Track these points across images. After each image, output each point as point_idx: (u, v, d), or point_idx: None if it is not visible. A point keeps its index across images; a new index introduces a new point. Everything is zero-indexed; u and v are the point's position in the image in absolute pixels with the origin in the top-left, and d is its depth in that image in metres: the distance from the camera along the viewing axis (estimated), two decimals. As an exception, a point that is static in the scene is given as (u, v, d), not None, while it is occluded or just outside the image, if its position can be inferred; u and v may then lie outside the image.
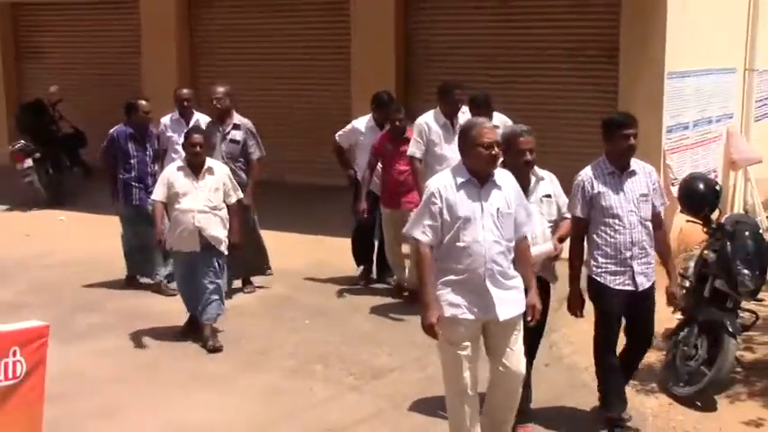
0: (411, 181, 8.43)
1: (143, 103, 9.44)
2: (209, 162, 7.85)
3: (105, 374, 7.18)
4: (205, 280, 7.71)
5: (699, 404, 6.20)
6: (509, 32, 11.99)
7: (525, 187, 5.72)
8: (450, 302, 5.15)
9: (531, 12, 11.89)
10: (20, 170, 13.25)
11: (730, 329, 6.45)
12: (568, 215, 6.01)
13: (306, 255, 10.29)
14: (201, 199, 7.69)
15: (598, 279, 5.90)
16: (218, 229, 7.75)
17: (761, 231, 9.06)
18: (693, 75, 11.05)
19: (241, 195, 8.16)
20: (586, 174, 5.96)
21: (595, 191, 5.87)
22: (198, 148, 7.73)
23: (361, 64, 12.88)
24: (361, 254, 9.45)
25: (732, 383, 6.79)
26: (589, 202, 5.89)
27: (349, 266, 9.51)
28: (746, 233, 6.77)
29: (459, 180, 5.21)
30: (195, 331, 7.85)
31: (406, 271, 8.70)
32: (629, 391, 6.33)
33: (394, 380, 7.03)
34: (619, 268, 5.85)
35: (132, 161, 9.28)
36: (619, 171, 5.91)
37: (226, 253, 7.87)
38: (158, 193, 7.88)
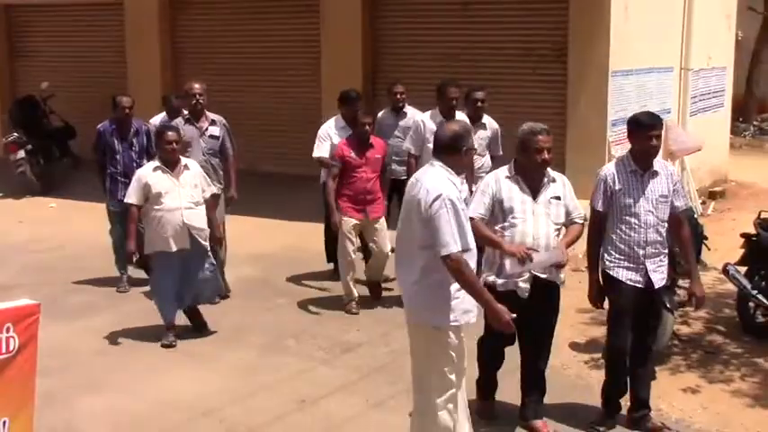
0: (377, 188, 8.02)
1: (124, 99, 8.90)
2: (183, 159, 7.34)
3: (94, 351, 7.12)
4: (202, 269, 7.27)
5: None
6: (469, 33, 12.00)
7: (537, 188, 5.43)
8: None
9: (489, 14, 11.93)
10: (13, 161, 13.23)
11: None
12: (578, 220, 5.57)
13: (278, 239, 10.25)
14: (185, 196, 7.17)
15: (611, 273, 5.58)
16: (203, 224, 7.28)
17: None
18: (635, 73, 11.15)
19: (214, 190, 7.65)
20: (609, 169, 5.62)
21: (616, 187, 5.53)
22: (174, 145, 7.16)
23: (330, 62, 12.87)
24: (333, 253, 8.69)
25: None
26: (610, 198, 5.54)
27: (319, 249, 9.47)
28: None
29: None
30: (178, 333, 7.26)
31: (353, 290, 8.05)
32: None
33: (362, 354, 7.03)
34: (632, 265, 5.53)
35: (117, 156, 8.72)
36: (641, 170, 5.54)
37: (208, 247, 7.35)
38: (133, 196, 7.21)
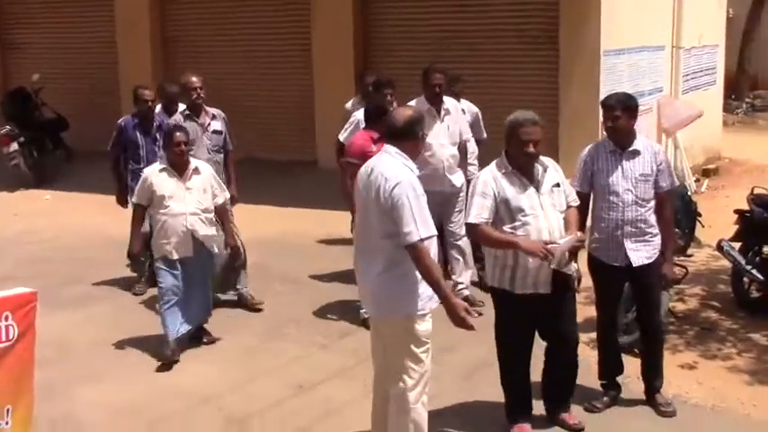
0: None
1: (146, 91, 8.38)
2: (193, 162, 6.84)
3: (92, 341, 7.12)
4: (198, 287, 6.82)
5: (636, 351, 6.25)
6: (461, 16, 11.96)
7: (532, 179, 5.18)
8: None
9: (480, -3, 11.89)
10: (6, 154, 13.16)
11: (663, 283, 6.51)
12: (573, 203, 5.39)
13: (275, 225, 10.25)
14: (192, 201, 6.68)
15: (594, 254, 5.65)
16: (210, 229, 6.79)
17: (689, 194, 9.21)
18: (627, 52, 11.13)
19: (227, 196, 7.14)
20: (589, 150, 5.68)
21: (595, 167, 5.58)
22: (183, 147, 6.67)
23: (321, 49, 12.83)
24: None
25: (666, 332, 6.89)
26: (590, 178, 5.58)
27: (316, 234, 9.49)
28: (677, 196, 6.84)
29: None
30: (181, 349, 6.75)
31: None
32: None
33: (360, 338, 7.02)
34: (611, 245, 5.55)
35: (141, 151, 8.22)
36: (620, 149, 5.56)
37: (217, 254, 6.98)
38: (138, 197, 6.82)
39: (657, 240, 5.64)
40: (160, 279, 6.74)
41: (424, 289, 4.64)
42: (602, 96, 10.55)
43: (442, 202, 7.47)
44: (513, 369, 5.42)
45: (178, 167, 6.71)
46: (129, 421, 5.76)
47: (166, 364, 6.55)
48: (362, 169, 4.85)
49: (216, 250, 6.90)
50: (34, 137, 13.51)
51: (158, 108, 8.66)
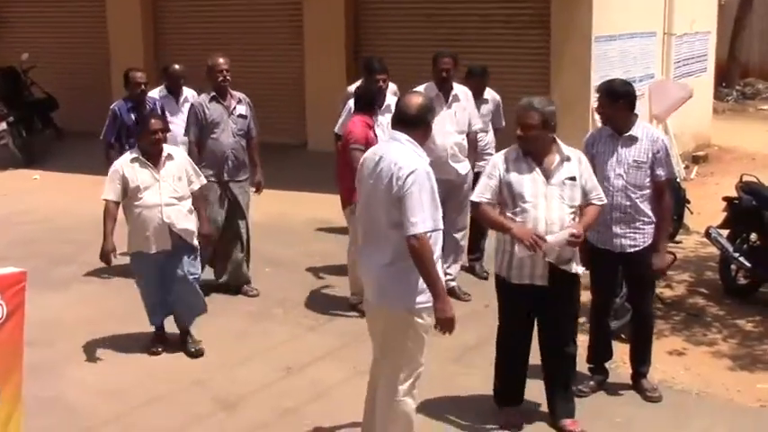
0: None
1: (137, 74, 8.09)
2: (166, 148, 6.45)
3: (82, 321, 7.11)
4: (181, 280, 6.41)
5: (623, 336, 6.30)
6: (451, 1, 11.93)
7: (546, 167, 5.04)
8: None
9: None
10: (-5, 133, 13.09)
11: (650, 273, 6.52)
12: (597, 201, 5.17)
13: (265, 207, 10.21)
14: (166, 191, 6.31)
15: (587, 238, 5.42)
16: (188, 222, 6.42)
17: (678, 180, 9.24)
18: (618, 38, 11.14)
19: (204, 181, 6.70)
20: (591, 133, 5.74)
21: (594, 150, 5.58)
22: (159, 135, 6.30)
23: (314, 32, 12.80)
24: None
25: (653, 318, 6.93)
26: (591, 162, 5.41)
27: (305, 218, 9.50)
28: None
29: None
30: (166, 342, 6.60)
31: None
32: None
33: (347, 321, 7.06)
34: (601, 228, 5.47)
35: (134, 134, 7.93)
36: (618, 134, 5.54)
37: (198, 246, 6.58)
38: (110, 191, 6.33)
39: (649, 229, 5.59)
40: (138, 278, 6.47)
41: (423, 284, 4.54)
42: (593, 82, 10.67)
43: (447, 191, 7.21)
44: (505, 355, 5.39)
45: (152, 156, 6.34)
46: (118, 402, 5.77)
47: (155, 354, 6.51)
48: (368, 156, 4.73)
49: (194, 243, 6.49)
50: (23, 116, 13.47)
51: (158, 90, 8.47)
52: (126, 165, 6.35)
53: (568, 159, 5.09)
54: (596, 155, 5.57)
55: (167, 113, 8.07)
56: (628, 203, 5.52)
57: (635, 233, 5.56)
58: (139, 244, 6.34)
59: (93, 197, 9.28)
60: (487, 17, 11.74)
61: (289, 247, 9.01)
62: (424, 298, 4.54)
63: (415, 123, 4.60)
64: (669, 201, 5.73)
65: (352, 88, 8.07)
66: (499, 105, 8.25)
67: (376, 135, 6.85)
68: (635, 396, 5.77)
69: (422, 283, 4.49)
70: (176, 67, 8.55)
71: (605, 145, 5.57)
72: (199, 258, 6.61)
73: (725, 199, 7.96)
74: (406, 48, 11.85)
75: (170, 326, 6.66)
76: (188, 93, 8.56)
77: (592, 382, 5.80)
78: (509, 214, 5.10)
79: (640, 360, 5.86)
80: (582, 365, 5.84)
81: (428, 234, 4.41)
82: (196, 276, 6.52)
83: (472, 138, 7.58)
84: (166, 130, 6.51)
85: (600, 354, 5.88)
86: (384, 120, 7.07)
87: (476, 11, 11.80)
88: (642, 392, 5.78)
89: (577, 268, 5.19)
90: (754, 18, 21.40)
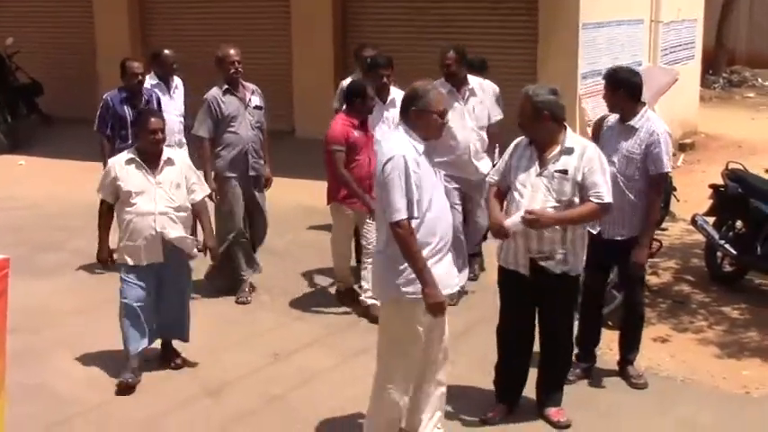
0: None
1: (134, 64, 7.71)
2: (166, 152, 5.89)
3: (69, 309, 7.09)
4: (172, 298, 5.91)
5: (610, 323, 6.31)
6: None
7: (544, 157, 4.98)
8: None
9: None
10: (-21, 118, 13.02)
11: (631, 266, 6.47)
12: (594, 200, 4.96)
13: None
14: (162, 198, 5.73)
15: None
16: (182, 230, 5.84)
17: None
18: (606, 25, 11.13)
19: (208, 191, 6.21)
20: (599, 118, 5.78)
21: (600, 133, 5.68)
22: (158, 135, 5.75)
23: (301, 19, 12.74)
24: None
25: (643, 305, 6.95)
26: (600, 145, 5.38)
27: (293, 204, 9.46)
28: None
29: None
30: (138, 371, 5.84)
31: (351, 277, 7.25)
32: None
33: (334, 309, 7.05)
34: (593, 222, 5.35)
35: (129, 127, 7.51)
36: (620, 123, 5.56)
37: (195, 259, 6.10)
38: (102, 192, 5.85)
39: (636, 220, 5.55)
40: (122, 291, 5.80)
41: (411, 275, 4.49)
42: (580, 69, 10.67)
43: (468, 190, 7.21)
44: (501, 346, 5.35)
45: (149, 158, 5.77)
46: (103, 390, 5.75)
47: (125, 388, 5.70)
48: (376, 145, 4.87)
49: (195, 252, 6.01)
50: (8, 101, 13.42)
51: (148, 78, 8.09)
52: (119, 166, 5.79)
53: (569, 152, 4.96)
54: (601, 138, 5.61)
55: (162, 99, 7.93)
56: (616, 191, 5.39)
57: (623, 221, 5.52)
58: (130, 253, 5.77)
59: (79, 183, 9.29)
60: (475, 3, 11.70)
61: (276, 234, 8.95)
62: (413, 288, 4.49)
63: (403, 111, 4.63)
64: (655, 197, 5.62)
65: (346, 83, 7.84)
66: (498, 96, 7.68)
67: (367, 132, 6.74)
68: (620, 383, 5.78)
69: (408, 274, 4.47)
70: (167, 52, 8.28)
71: (611, 129, 5.61)
72: (191, 279, 6.17)
73: (711, 186, 7.98)
74: (393, 35, 11.81)
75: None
76: (177, 81, 8.36)
77: (578, 370, 5.78)
78: (509, 197, 5.14)
79: (628, 347, 5.87)
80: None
81: (408, 221, 4.38)
82: (185, 304, 6.04)
83: (492, 131, 7.29)
84: (165, 130, 5.92)
85: (588, 340, 5.87)
86: (390, 114, 7.00)
87: (463, -3, 11.78)
88: (628, 379, 5.80)
89: (563, 269, 5.03)
90: (740, 6, 21.44)
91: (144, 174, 5.75)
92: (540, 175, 4.98)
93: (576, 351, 5.79)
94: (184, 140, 8.24)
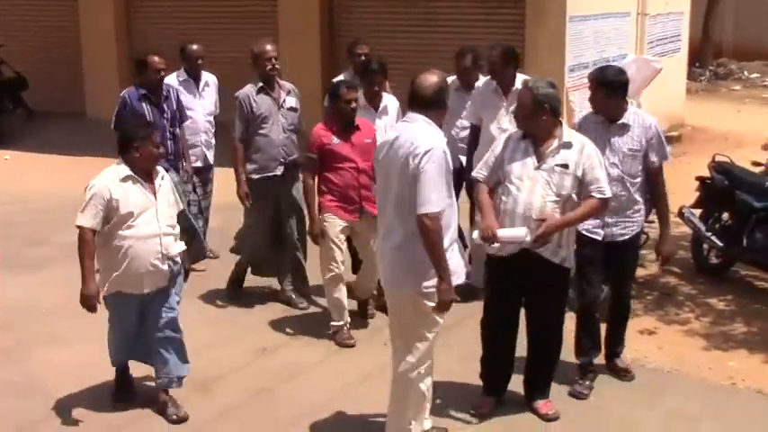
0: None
1: (156, 58, 7.11)
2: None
3: (56, 304, 7.03)
4: (165, 327, 5.28)
5: (597, 315, 6.32)
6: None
7: (536, 149, 4.96)
8: None
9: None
10: (-36, 113, 12.96)
11: (661, 261, 6.43)
12: (596, 194, 4.95)
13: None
14: (164, 217, 5.17)
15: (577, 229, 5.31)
16: (180, 245, 5.33)
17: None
18: (592, 18, 11.14)
19: (182, 206, 5.54)
20: (576, 123, 5.55)
21: None
22: (159, 150, 5.22)
23: (288, 16, 12.71)
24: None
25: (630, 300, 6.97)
26: None
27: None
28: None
29: None
30: (132, 389, 5.55)
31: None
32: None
33: (321, 302, 7.04)
34: (593, 218, 5.30)
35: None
36: (609, 122, 5.39)
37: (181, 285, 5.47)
38: (88, 218, 5.01)
39: (638, 217, 5.53)
40: (112, 321, 5.32)
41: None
42: (568, 62, 10.68)
43: None
44: (487, 339, 5.35)
45: (146, 175, 5.16)
46: (91, 384, 5.74)
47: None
48: (383, 140, 4.69)
49: (180, 279, 5.41)
50: (-7, 96, 13.35)
51: (176, 75, 7.78)
52: (114, 183, 5.06)
53: (568, 146, 4.95)
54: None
55: (186, 100, 7.58)
56: (624, 193, 5.38)
57: (626, 222, 5.46)
58: (125, 284, 5.16)
59: (64, 177, 9.26)
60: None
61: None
62: (434, 282, 4.49)
63: (430, 104, 4.55)
64: (662, 187, 5.64)
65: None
66: None
67: (351, 139, 6.28)
68: (608, 375, 5.80)
69: (428, 267, 4.46)
70: (194, 47, 7.85)
71: (595, 133, 5.32)
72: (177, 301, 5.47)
73: (698, 179, 8.01)
74: (381, 30, 11.79)
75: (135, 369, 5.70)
76: (208, 77, 8.01)
77: (587, 382, 5.63)
78: (499, 191, 5.04)
79: (616, 341, 5.86)
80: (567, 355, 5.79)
81: (440, 214, 4.38)
82: (180, 333, 5.40)
83: None
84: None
85: (588, 349, 5.71)
86: (383, 123, 6.71)
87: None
88: (615, 372, 5.81)
89: (557, 260, 5.04)
90: (727, -1, 21.51)
91: (144, 191, 5.13)
92: (538, 168, 4.94)
93: (580, 361, 5.70)
94: (213, 141, 7.99)
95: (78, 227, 5.02)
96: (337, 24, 12.55)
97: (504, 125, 6.56)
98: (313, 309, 6.97)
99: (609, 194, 5.03)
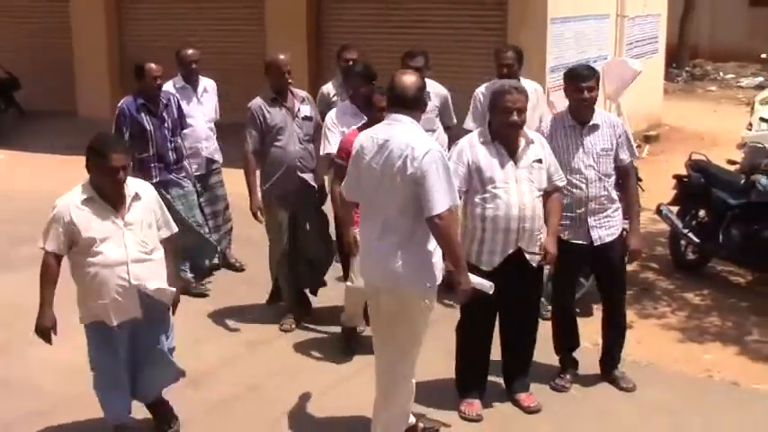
0: None
1: (153, 66, 6.76)
2: (132, 185, 4.71)
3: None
4: (151, 353, 4.87)
5: (578, 310, 6.34)
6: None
7: (514, 151, 4.95)
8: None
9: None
10: (-43, 113, 12.89)
11: (629, 257, 6.41)
12: (560, 183, 5.10)
13: (229, 186, 10.14)
14: (133, 242, 4.62)
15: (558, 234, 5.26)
16: (161, 281, 4.76)
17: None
18: (573, 20, 11.17)
19: (175, 228, 4.96)
20: (545, 127, 5.40)
21: (553, 144, 5.24)
22: (122, 174, 4.56)
23: (274, 15, 12.68)
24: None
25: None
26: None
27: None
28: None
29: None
30: None
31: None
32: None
33: (312, 298, 7.03)
34: (573, 222, 5.31)
35: (148, 136, 6.75)
36: (579, 125, 5.31)
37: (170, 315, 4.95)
38: (49, 241, 4.63)
39: (619, 215, 5.49)
40: (92, 358, 4.84)
41: (438, 263, 4.47)
42: (549, 64, 10.69)
43: None
44: (469, 342, 5.29)
45: (111, 197, 4.64)
46: (83, 381, 5.69)
47: None
48: (367, 141, 4.52)
49: (167, 308, 4.90)
50: (-15, 96, 13.29)
51: (173, 82, 7.47)
52: (74, 206, 4.59)
53: (533, 143, 5.01)
54: (555, 148, 5.26)
55: (184, 107, 7.23)
56: (604, 193, 5.35)
57: (608, 221, 5.41)
58: (95, 313, 4.71)
59: (55, 176, 9.17)
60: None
61: (252, 225, 8.91)
62: (431, 281, 4.47)
63: (414, 104, 4.49)
64: (635, 182, 5.64)
65: (326, 89, 7.38)
66: (447, 101, 7.13)
67: None
68: (586, 367, 5.79)
69: (428, 266, 4.44)
70: (188, 51, 7.51)
71: (567, 137, 5.32)
72: (172, 328, 5.02)
73: (675, 177, 8.05)
74: (367, 32, 11.80)
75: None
76: (207, 83, 7.71)
77: (568, 376, 5.62)
78: (477, 199, 4.97)
79: (612, 356, 5.67)
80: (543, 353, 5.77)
81: (449, 212, 4.32)
82: (169, 358, 5.00)
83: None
84: (129, 166, 4.75)
85: (566, 343, 5.69)
86: None
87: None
88: (616, 383, 5.62)
89: (534, 262, 5.07)
90: (703, 1, 21.59)
91: (108, 215, 4.60)
92: (519, 168, 4.96)
93: (560, 356, 5.69)
94: (216, 145, 7.76)
95: (42, 248, 4.66)
96: (324, 30, 12.53)
97: None
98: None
99: (565, 180, 5.18)
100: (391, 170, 4.38)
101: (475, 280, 4.62)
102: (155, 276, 4.71)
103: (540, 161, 5.00)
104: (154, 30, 13.35)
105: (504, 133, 4.97)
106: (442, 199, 4.29)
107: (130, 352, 4.81)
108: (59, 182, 9.14)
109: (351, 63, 7.11)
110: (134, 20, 13.97)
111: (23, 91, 13.80)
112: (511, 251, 4.99)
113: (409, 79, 4.51)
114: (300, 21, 12.44)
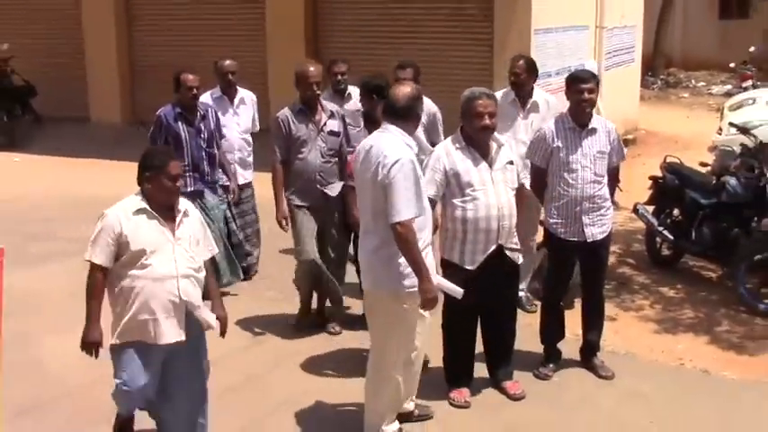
0: None
1: (189, 76, 6.50)
2: (182, 201, 4.38)
3: (65, 292, 6.92)
4: (192, 384, 4.41)
5: (562, 304, 6.33)
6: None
7: (486, 155, 4.94)
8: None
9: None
10: (-23, 119, 12.86)
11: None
12: (525, 180, 5.21)
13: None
14: (183, 257, 4.25)
15: (551, 231, 5.42)
16: (207, 309, 4.39)
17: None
18: (555, 31, 11.17)
19: (216, 250, 4.65)
20: (549, 127, 5.39)
21: (555, 144, 5.31)
22: (178, 183, 4.29)
23: (274, 24, 12.65)
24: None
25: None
26: (549, 154, 5.34)
27: (269, 196, 9.39)
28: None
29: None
30: None
31: None
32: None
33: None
34: (569, 220, 5.33)
35: (184, 145, 6.49)
36: (579, 127, 5.33)
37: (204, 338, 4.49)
38: (98, 253, 4.18)
39: (611, 214, 5.50)
40: (123, 377, 4.28)
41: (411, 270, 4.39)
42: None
43: None
44: (456, 336, 5.24)
45: (163, 209, 4.28)
46: (96, 369, 5.66)
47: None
48: (360, 148, 4.53)
49: (214, 324, 4.43)
50: (4, 103, 13.27)
51: (211, 93, 7.22)
52: (125, 216, 4.20)
53: (502, 145, 5.03)
54: (555, 149, 5.32)
55: (222, 116, 6.99)
56: (598, 193, 5.35)
57: (601, 219, 5.40)
58: (137, 332, 4.23)
59: (69, 177, 9.18)
60: (438, 10, 11.70)
61: (272, 222, 8.91)
62: (409, 283, 4.41)
63: (403, 114, 4.45)
64: (615, 183, 5.69)
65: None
66: (435, 118, 6.53)
67: None
68: (567, 356, 5.78)
69: (406, 269, 4.37)
70: (226, 62, 7.17)
71: (567, 139, 5.33)
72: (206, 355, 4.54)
73: (651, 178, 8.05)
74: (363, 42, 11.79)
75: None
76: (245, 94, 7.38)
77: (551, 365, 5.61)
78: (457, 202, 4.93)
79: (593, 333, 5.67)
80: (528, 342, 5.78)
81: (412, 220, 4.27)
82: (204, 416, 4.56)
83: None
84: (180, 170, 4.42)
85: (553, 336, 5.68)
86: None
87: (423, 3, 11.75)
88: (595, 371, 5.62)
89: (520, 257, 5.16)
90: (675, 14, 21.64)
91: (161, 227, 4.24)
92: (494, 170, 4.95)
93: (545, 346, 5.68)
94: (249, 160, 7.48)
95: (88, 260, 4.21)
96: (321, 43, 12.51)
97: (520, 136, 6.27)
98: (295, 301, 6.89)
99: (528, 179, 5.43)
100: (368, 176, 4.39)
101: (446, 285, 4.60)
102: (198, 295, 4.32)
103: (511, 162, 5.04)
104: (163, 41, 13.32)
105: (478, 138, 4.93)
106: (404, 208, 4.24)
107: (168, 382, 4.37)
108: (72, 182, 9.23)
109: (338, 77, 6.98)
110: (144, 30, 13.90)
111: (39, 98, 13.77)
112: (492, 248, 4.98)
113: (402, 90, 4.50)
114: (299, 38, 12.39)
